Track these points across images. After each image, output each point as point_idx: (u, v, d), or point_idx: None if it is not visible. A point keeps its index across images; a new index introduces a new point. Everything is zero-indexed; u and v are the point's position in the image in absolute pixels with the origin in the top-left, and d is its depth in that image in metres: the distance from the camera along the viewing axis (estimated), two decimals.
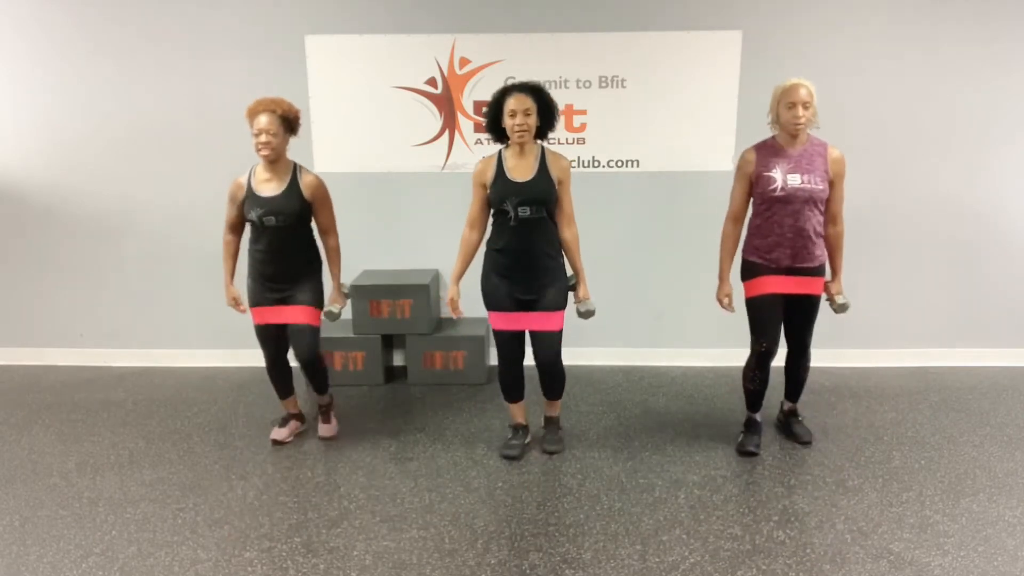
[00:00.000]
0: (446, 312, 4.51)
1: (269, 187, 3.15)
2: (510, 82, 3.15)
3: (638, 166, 4.31)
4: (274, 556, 2.61)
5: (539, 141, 3.08)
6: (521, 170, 3.01)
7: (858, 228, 3.91)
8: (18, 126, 4.37)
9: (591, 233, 4.22)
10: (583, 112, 4.25)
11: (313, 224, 3.32)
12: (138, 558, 2.60)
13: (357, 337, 4.23)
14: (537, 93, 2.97)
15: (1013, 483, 3.06)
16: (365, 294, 4.17)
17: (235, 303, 3.35)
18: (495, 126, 3.04)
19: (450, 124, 4.29)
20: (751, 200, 3.16)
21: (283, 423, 3.55)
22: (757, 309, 3.17)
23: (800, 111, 2.92)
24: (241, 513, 2.89)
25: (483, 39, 4.17)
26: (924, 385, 4.17)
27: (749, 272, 3.17)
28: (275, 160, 3.13)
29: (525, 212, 2.98)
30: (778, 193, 2.99)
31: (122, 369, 4.61)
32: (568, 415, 3.78)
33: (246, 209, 3.17)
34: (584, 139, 4.29)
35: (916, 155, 4.25)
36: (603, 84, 4.21)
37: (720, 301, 3.26)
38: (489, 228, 3.17)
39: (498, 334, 3.18)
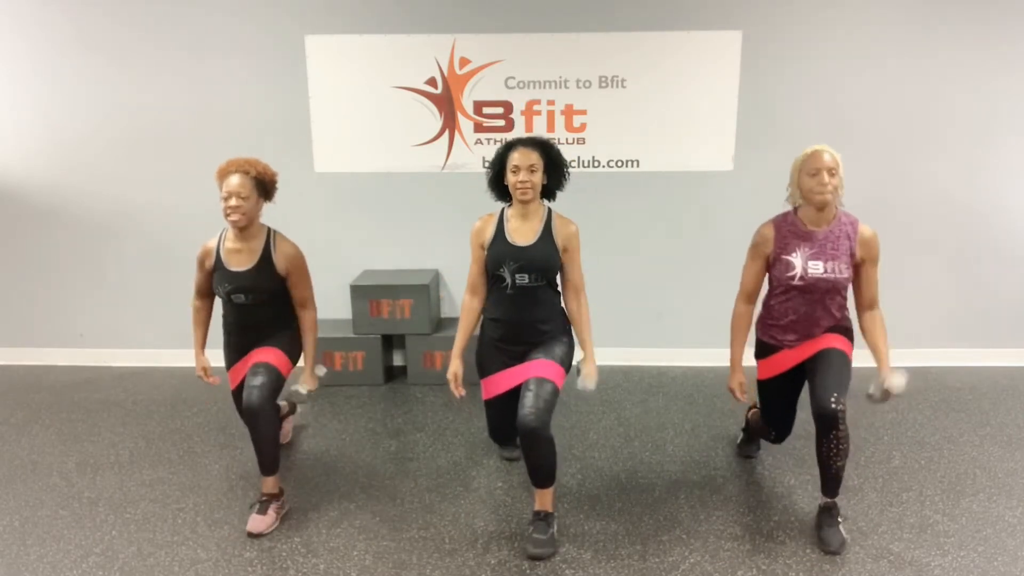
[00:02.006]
0: (446, 312, 4.53)
1: (239, 259, 2.81)
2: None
3: (638, 166, 4.31)
4: (274, 556, 2.61)
5: (546, 202, 2.81)
6: (523, 233, 2.72)
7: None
8: (18, 126, 4.37)
9: (591, 233, 4.23)
10: (583, 112, 4.25)
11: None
12: (138, 558, 2.60)
13: (357, 337, 4.23)
14: (544, 148, 2.70)
15: (1013, 483, 3.06)
16: (365, 294, 4.17)
17: (205, 373, 2.99)
18: (498, 182, 2.76)
19: (450, 124, 4.29)
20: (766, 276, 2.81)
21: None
22: (771, 392, 2.90)
23: (826, 177, 2.51)
24: (241, 513, 2.89)
25: (483, 39, 4.17)
26: (924, 385, 4.17)
27: (763, 352, 2.86)
28: (246, 226, 2.77)
29: (523, 280, 2.69)
30: (796, 282, 2.64)
31: (122, 369, 4.61)
32: (568, 415, 3.78)
33: (214, 282, 2.85)
34: (584, 139, 4.29)
35: (916, 155, 4.25)
36: (603, 84, 4.22)
37: (732, 392, 2.86)
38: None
39: (489, 404, 2.91)
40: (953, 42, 4.09)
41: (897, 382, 2.54)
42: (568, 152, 4.27)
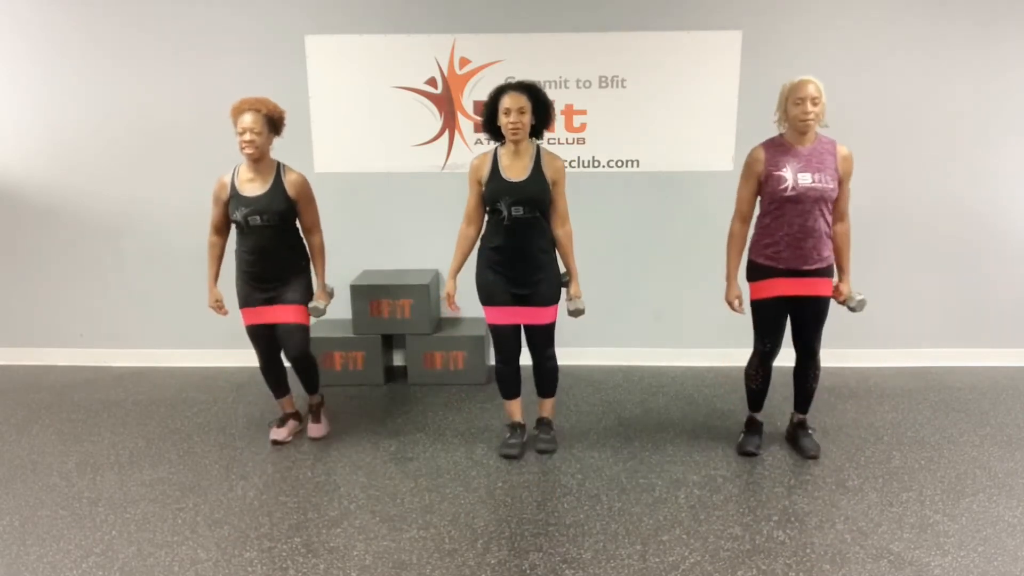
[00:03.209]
0: (446, 312, 4.53)
1: (253, 187, 3.16)
2: (511, 82, 3.15)
3: (638, 166, 4.31)
4: (274, 556, 2.61)
5: (535, 140, 3.08)
6: (515, 170, 3.02)
7: (858, 228, 3.88)
8: (18, 126, 4.37)
9: (591, 233, 4.24)
10: (583, 112, 4.25)
11: (299, 223, 3.32)
12: (138, 558, 2.60)
13: (357, 337, 4.23)
14: (532, 92, 2.97)
15: (1013, 483, 3.06)
16: (365, 294, 4.17)
17: (218, 306, 3.34)
18: (491, 125, 3.04)
19: (450, 124, 4.29)
20: (759, 199, 3.10)
21: (281, 423, 3.55)
22: (763, 312, 3.13)
23: (809, 106, 2.86)
24: (241, 513, 2.89)
25: (483, 39, 4.17)
26: (924, 385, 4.17)
27: (756, 273, 3.12)
28: (259, 159, 3.13)
29: (518, 212, 2.99)
30: (789, 193, 2.92)
31: (122, 369, 4.61)
32: (568, 415, 3.78)
33: (230, 209, 3.17)
34: (584, 139, 4.29)
35: (916, 155, 4.25)
36: (603, 84, 4.21)
37: (730, 303, 3.18)
38: (484, 224, 3.17)
39: (494, 328, 3.20)
40: (953, 42, 4.09)
41: (861, 295, 3.13)
42: (568, 152, 4.28)
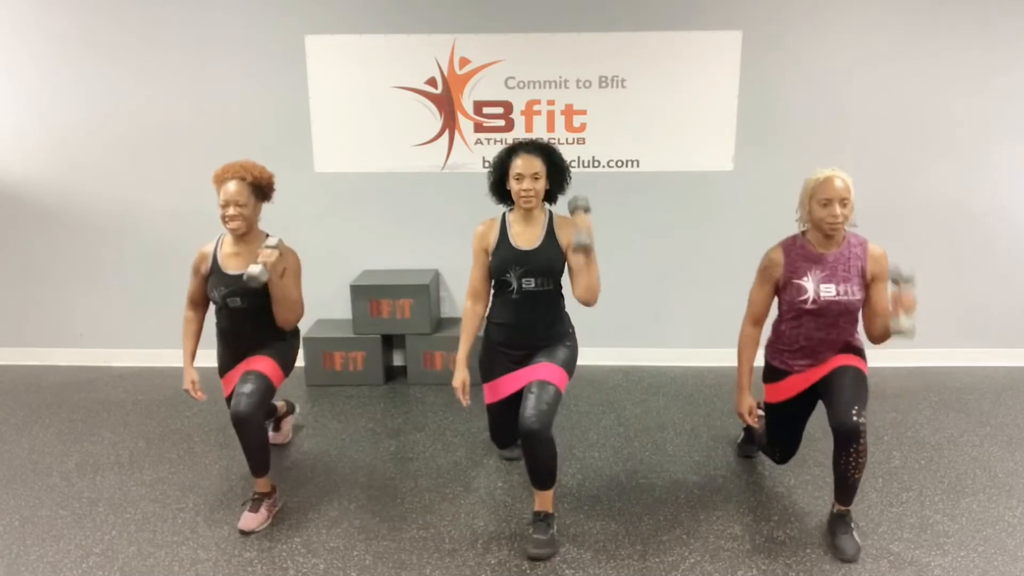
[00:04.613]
0: (446, 312, 4.53)
1: (236, 263, 2.81)
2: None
3: (638, 166, 4.31)
4: (274, 556, 2.61)
5: (547, 205, 2.78)
6: (526, 237, 2.70)
7: (858, 228, 3.91)
8: (18, 126, 4.37)
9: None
10: (583, 112, 4.25)
11: None
12: (138, 558, 2.60)
13: (357, 337, 4.23)
14: (547, 153, 2.68)
15: (1013, 483, 3.06)
16: (365, 294, 4.17)
17: (193, 387, 2.93)
18: (499, 187, 2.74)
19: (450, 124, 4.29)
20: (775, 301, 2.78)
21: (275, 427, 3.35)
22: (777, 416, 2.86)
23: (838, 209, 2.49)
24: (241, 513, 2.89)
25: (483, 39, 4.17)
26: (924, 385, 4.17)
27: (771, 376, 2.82)
28: (245, 233, 2.81)
29: (529, 284, 2.67)
30: (809, 306, 2.59)
31: (122, 369, 4.61)
32: (568, 415, 3.78)
33: (209, 286, 2.87)
34: (584, 139, 4.29)
35: (916, 155, 4.25)
36: (603, 84, 4.21)
37: (741, 416, 2.82)
38: (491, 300, 2.87)
39: (491, 408, 2.90)
40: (954, 42, 4.09)
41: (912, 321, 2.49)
42: (568, 152, 4.27)
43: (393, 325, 4.21)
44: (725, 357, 4.39)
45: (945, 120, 4.20)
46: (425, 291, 4.16)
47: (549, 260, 2.69)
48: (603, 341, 4.52)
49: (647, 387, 4.20)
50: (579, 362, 4.37)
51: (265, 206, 2.92)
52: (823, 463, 3.22)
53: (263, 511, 2.81)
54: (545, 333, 2.76)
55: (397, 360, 4.57)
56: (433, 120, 4.29)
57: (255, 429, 2.74)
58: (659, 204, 4.36)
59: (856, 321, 2.66)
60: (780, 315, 2.76)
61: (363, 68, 4.23)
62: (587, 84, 4.22)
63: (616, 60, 4.17)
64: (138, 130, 4.35)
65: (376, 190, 4.39)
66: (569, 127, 4.28)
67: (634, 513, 2.86)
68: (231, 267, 2.82)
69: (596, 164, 4.32)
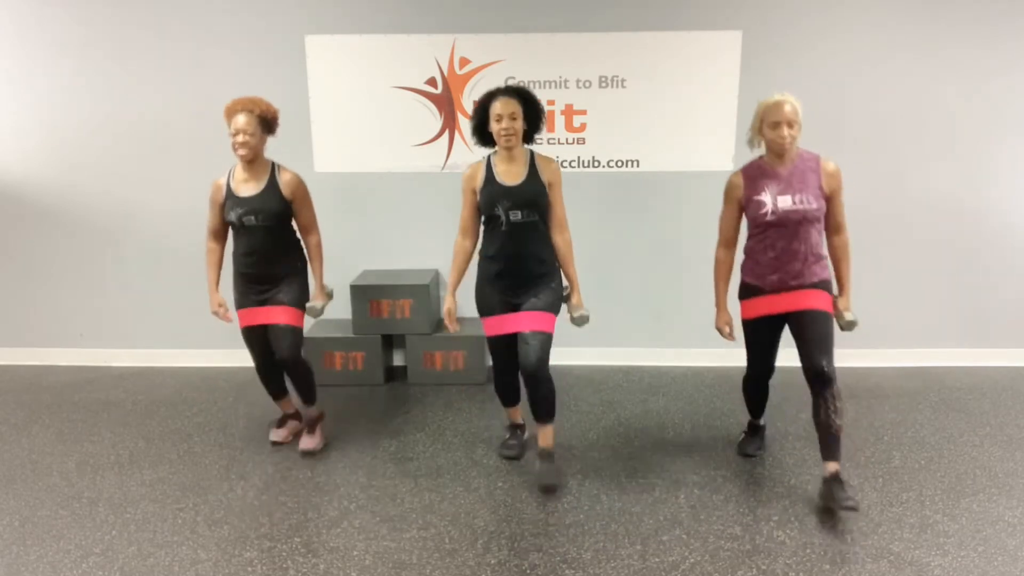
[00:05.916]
0: None
1: (248, 187, 3.13)
2: (509, 83, 3.15)
3: (638, 166, 4.31)
4: (274, 556, 2.61)
5: (527, 145, 3.03)
6: (511, 174, 2.95)
7: (858, 228, 3.89)
8: (18, 126, 4.38)
9: (591, 233, 4.24)
10: (583, 112, 4.25)
11: (295, 223, 3.28)
12: (138, 558, 2.60)
13: (357, 337, 4.23)
14: (523, 96, 2.93)
15: (1013, 483, 3.06)
16: (365, 294, 4.17)
17: (222, 310, 3.30)
18: (481, 131, 2.99)
19: (450, 124, 4.29)
20: (743, 223, 3.01)
21: (280, 424, 3.55)
22: (751, 332, 3.06)
23: (785, 130, 2.73)
24: (241, 513, 2.89)
25: (483, 39, 4.17)
26: (924, 385, 4.17)
27: (745, 292, 3.03)
28: (253, 160, 3.11)
29: (516, 216, 2.93)
30: (769, 217, 2.82)
31: (122, 369, 4.61)
32: (568, 415, 3.78)
33: (226, 211, 3.16)
34: (584, 139, 4.29)
35: (916, 155, 4.25)
36: (603, 84, 4.22)
37: (720, 330, 3.09)
38: (481, 235, 3.11)
39: (491, 340, 3.12)
40: (953, 42, 4.09)
41: (854, 316, 2.95)
42: (568, 152, 4.28)
43: (393, 325, 4.21)
44: (725, 357, 4.39)
45: (945, 120, 4.20)
46: (425, 291, 4.16)
47: (535, 194, 2.95)
48: (603, 341, 4.52)
49: (647, 387, 4.20)
50: (579, 362, 4.45)
51: None
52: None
53: (318, 434, 3.40)
54: (534, 265, 3.00)
55: (397, 360, 4.57)
56: (433, 120, 4.29)
57: (302, 367, 3.27)
58: (659, 204, 4.36)
59: (820, 232, 2.89)
60: (749, 234, 3.00)
61: (363, 68, 4.23)
62: (587, 84, 4.22)
63: (616, 60, 4.18)
64: (138, 130, 4.35)
65: (376, 190, 4.39)
66: (569, 127, 4.28)
67: (634, 513, 2.86)
68: (243, 191, 3.13)
69: (596, 164, 4.32)
